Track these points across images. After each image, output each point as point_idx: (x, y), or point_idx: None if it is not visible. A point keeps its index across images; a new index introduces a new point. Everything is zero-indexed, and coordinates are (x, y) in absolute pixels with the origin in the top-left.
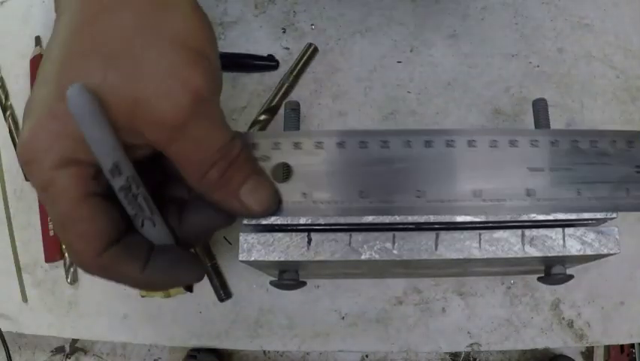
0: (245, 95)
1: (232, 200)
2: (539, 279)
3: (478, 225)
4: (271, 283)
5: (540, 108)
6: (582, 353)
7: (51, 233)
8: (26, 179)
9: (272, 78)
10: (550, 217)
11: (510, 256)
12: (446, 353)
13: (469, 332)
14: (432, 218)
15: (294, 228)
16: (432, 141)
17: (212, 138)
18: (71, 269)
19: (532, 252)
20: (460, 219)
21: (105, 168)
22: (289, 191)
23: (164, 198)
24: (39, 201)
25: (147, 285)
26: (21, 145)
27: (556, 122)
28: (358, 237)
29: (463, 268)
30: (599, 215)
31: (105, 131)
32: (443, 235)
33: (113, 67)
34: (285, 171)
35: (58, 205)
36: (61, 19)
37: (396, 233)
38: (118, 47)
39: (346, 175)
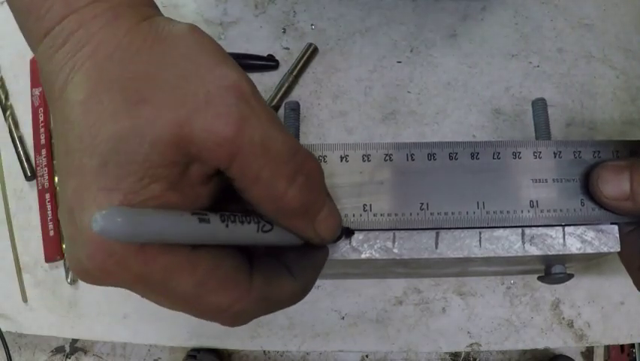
0: None
1: (308, 229)
2: (539, 278)
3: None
4: None
5: (540, 108)
6: (582, 353)
7: (51, 233)
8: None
9: (272, 78)
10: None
11: (510, 254)
12: (446, 353)
13: (469, 332)
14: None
15: None
16: (435, 154)
17: (277, 141)
18: None
19: (533, 250)
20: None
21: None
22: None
23: None
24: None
25: (305, 290)
26: (93, 266)
27: (557, 122)
28: (359, 236)
29: (463, 267)
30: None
31: (161, 224)
32: (443, 233)
33: (138, 102)
34: None
35: (174, 289)
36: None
37: (397, 232)
38: (132, 82)
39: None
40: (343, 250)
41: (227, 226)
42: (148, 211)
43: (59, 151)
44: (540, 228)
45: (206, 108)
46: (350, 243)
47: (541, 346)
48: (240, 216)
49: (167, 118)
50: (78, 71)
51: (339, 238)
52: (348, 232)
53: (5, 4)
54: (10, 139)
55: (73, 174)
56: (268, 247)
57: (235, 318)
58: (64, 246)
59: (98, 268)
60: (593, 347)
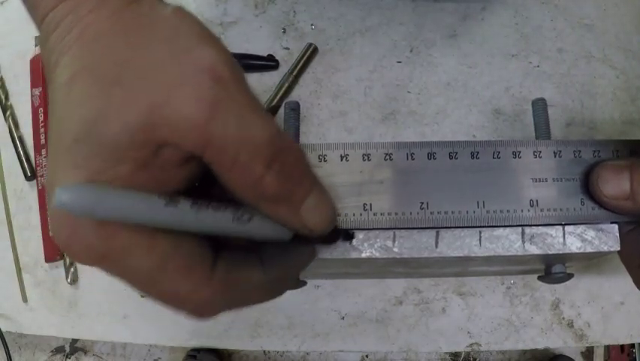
0: None
1: (292, 217)
2: (539, 278)
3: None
4: None
5: (540, 108)
6: (582, 353)
7: (51, 233)
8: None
9: (272, 78)
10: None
11: (510, 253)
12: (446, 353)
13: (469, 332)
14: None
15: None
16: (435, 153)
17: (254, 126)
18: (71, 269)
19: (533, 250)
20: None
21: (158, 220)
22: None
23: None
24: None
25: (275, 287)
26: (60, 241)
27: (557, 122)
28: (359, 235)
29: (463, 266)
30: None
31: (123, 202)
32: (443, 232)
33: (112, 84)
34: None
35: (132, 270)
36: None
37: (397, 231)
38: (109, 65)
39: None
40: (343, 249)
41: (196, 211)
42: (110, 189)
43: (48, 133)
44: (540, 227)
45: (179, 92)
46: (351, 243)
47: (541, 346)
48: (214, 204)
49: (138, 101)
50: (65, 54)
51: (335, 239)
52: (347, 235)
53: (5, 4)
54: (10, 139)
55: (51, 153)
56: (248, 240)
57: (198, 308)
58: None
59: (65, 244)
60: (593, 347)
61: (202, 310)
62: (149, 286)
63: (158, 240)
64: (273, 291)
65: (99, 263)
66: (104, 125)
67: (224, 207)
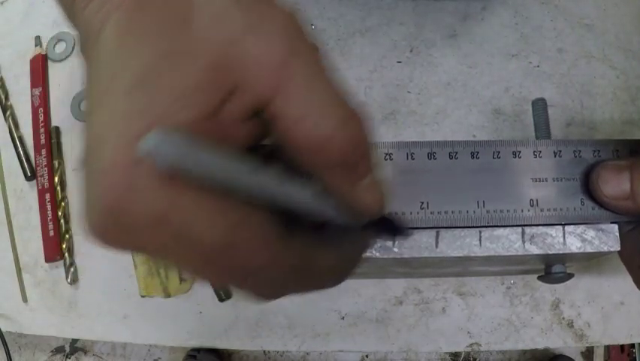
0: None
1: (349, 191)
2: (539, 278)
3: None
4: None
5: (540, 108)
6: (582, 353)
7: (51, 233)
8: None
9: None
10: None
11: (510, 253)
12: (446, 353)
13: (469, 332)
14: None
15: None
16: (434, 153)
17: (327, 81)
18: (71, 269)
19: (533, 249)
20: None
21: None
22: None
23: None
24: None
25: (343, 273)
26: (109, 200)
27: (556, 122)
28: None
29: (463, 266)
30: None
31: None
32: (443, 232)
33: (176, 26)
34: None
35: (198, 236)
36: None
37: None
38: (171, 11)
39: None
40: None
41: (282, 182)
42: (201, 141)
43: (88, 103)
44: (540, 227)
45: (257, 30)
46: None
47: (541, 346)
48: (296, 177)
49: (209, 40)
50: (116, 12)
51: (385, 230)
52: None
53: (5, 4)
54: (10, 139)
55: (96, 103)
56: (311, 220)
57: (262, 286)
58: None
59: (112, 205)
60: (593, 347)
61: (267, 289)
62: (211, 258)
63: (229, 205)
64: (339, 277)
65: (156, 227)
66: (171, 64)
67: (303, 182)
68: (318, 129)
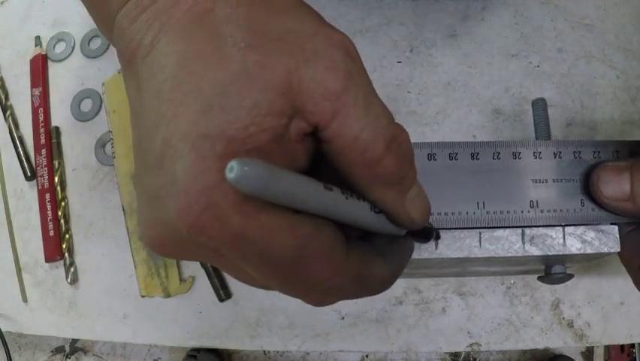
0: None
1: (398, 203)
2: (539, 278)
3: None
4: None
5: (540, 108)
6: (582, 353)
7: (51, 233)
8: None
9: None
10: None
11: (510, 254)
12: (446, 353)
13: (469, 332)
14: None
15: None
16: (434, 154)
17: (378, 105)
18: (71, 269)
19: (533, 251)
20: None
21: (311, 207)
22: None
23: None
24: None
25: (393, 278)
26: (188, 217)
27: (556, 122)
28: None
29: (463, 267)
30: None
31: (290, 184)
32: (443, 234)
33: (244, 48)
34: None
35: (272, 252)
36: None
37: None
38: (237, 31)
39: None
40: None
41: (346, 198)
42: (280, 169)
43: (136, 112)
44: (540, 228)
45: (316, 60)
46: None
47: (541, 346)
48: (355, 194)
49: (277, 64)
50: (173, 25)
51: (430, 236)
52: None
53: (5, 4)
54: (10, 139)
55: (164, 124)
56: (366, 231)
57: (325, 295)
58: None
59: (191, 223)
60: (593, 347)
61: (329, 297)
62: (285, 271)
63: (301, 223)
64: (390, 282)
65: (231, 243)
66: (243, 87)
67: (361, 198)
68: (371, 149)
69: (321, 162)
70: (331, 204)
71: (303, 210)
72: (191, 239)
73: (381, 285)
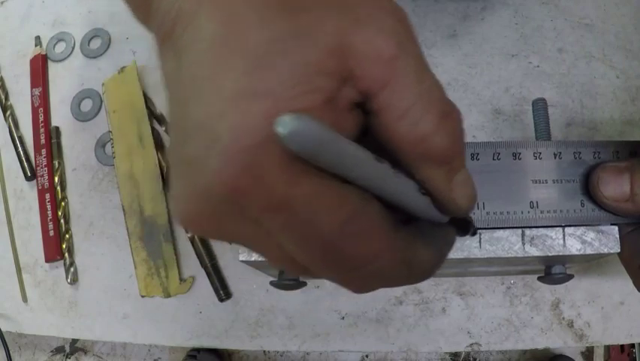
0: None
1: (445, 186)
2: (539, 278)
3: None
4: (271, 283)
5: (540, 108)
6: (582, 353)
7: (51, 233)
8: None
9: None
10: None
11: (510, 255)
12: (446, 353)
13: (469, 332)
14: None
15: None
16: None
17: (431, 77)
18: (71, 269)
19: (533, 251)
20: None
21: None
22: None
23: None
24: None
25: (437, 266)
26: (230, 182)
27: (556, 122)
28: None
29: (463, 267)
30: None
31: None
32: None
33: (293, 9)
34: None
35: (315, 224)
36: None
37: None
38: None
39: None
40: None
41: (394, 173)
42: (334, 131)
43: (174, 85)
44: (540, 229)
45: (369, 23)
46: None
47: (541, 346)
48: (404, 171)
49: (327, 24)
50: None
51: (467, 230)
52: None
53: (5, 4)
54: (10, 139)
55: (206, 87)
56: (406, 215)
57: (369, 278)
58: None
59: (231, 186)
60: (593, 347)
61: (371, 282)
62: (329, 246)
63: (349, 194)
64: (434, 270)
65: (274, 210)
66: (291, 45)
67: (409, 176)
68: (421, 124)
69: (364, 138)
70: (380, 178)
71: (352, 179)
72: (229, 208)
73: (425, 272)
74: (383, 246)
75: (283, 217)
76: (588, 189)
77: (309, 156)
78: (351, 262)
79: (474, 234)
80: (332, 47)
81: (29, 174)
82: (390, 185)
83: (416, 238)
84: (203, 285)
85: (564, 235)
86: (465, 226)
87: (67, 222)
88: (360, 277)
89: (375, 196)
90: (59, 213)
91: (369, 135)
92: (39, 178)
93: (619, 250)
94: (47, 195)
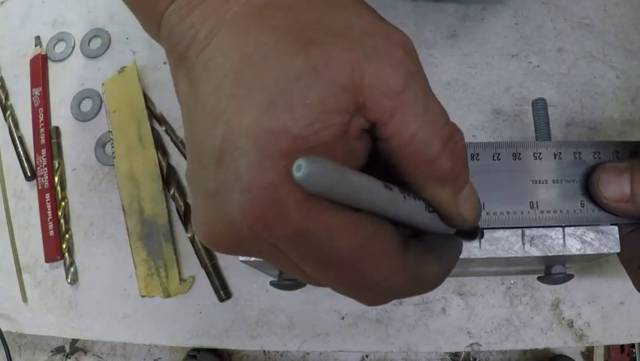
0: None
1: (452, 201)
2: (539, 279)
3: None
4: (271, 283)
5: (540, 108)
6: (582, 353)
7: (51, 233)
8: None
9: None
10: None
11: (510, 255)
12: (446, 353)
13: (469, 332)
14: None
15: None
16: None
17: (436, 104)
18: (71, 269)
19: (533, 251)
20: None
21: (375, 206)
22: None
23: None
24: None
25: (445, 276)
26: (251, 214)
27: (556, 122)
28: None
29: (463, 267)
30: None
31: (352, 183)
32: None
33: (307, 44)
34: None
35: (332, 250)
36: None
37: None
38: (297, 26)
39: None
40: None
41: (404, 197)
42: (345, 168)
43: (190, 109)
44: (540, 229)
45: (376, 57)
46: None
47: (541, 346)
48: (407, 192)
49: (340, 60)
50: (230, 20)
51: (475, 235)
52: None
53: (5, 4)
54: (10, 139)
55: (224, 120)
56: (415, 229)
57: (382, 295)
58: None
59: (255, 219)
60: (593, 347)
61: (385, 296)
62: (344, 270)
63: (362, 222)
64: (442, 279)
65: (293, 240)
66: (307, 83)
67: (417, 197)
68: (428, 148)
69: (372, 159)
70: (390, 204)
71: (364, 208)
72: (252, 235)
73: (434, 283)
74: (395, 267)
75: (301, 247)
76: (588, 189)
77: (324, 194)
78: (365, 282)
79: (482, 237)
80: (344, 84)
81: (29, 174)
82: (400, 209)
83: (425, 252)
84: (203, 285)
85: (564, 235)
86: (472, 232)
87: (67, 222)
88: (373, 294)
89: (386, 217)
90: (59, 213)
91: (377, 154)
92: (39, 178)
93: (619, 250)
94: (47, 195)
